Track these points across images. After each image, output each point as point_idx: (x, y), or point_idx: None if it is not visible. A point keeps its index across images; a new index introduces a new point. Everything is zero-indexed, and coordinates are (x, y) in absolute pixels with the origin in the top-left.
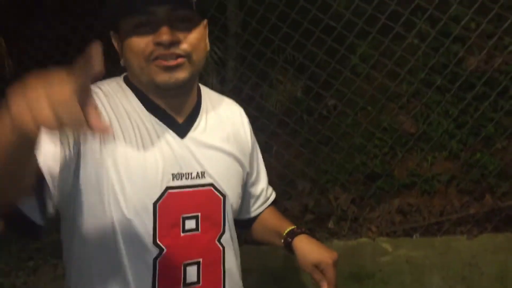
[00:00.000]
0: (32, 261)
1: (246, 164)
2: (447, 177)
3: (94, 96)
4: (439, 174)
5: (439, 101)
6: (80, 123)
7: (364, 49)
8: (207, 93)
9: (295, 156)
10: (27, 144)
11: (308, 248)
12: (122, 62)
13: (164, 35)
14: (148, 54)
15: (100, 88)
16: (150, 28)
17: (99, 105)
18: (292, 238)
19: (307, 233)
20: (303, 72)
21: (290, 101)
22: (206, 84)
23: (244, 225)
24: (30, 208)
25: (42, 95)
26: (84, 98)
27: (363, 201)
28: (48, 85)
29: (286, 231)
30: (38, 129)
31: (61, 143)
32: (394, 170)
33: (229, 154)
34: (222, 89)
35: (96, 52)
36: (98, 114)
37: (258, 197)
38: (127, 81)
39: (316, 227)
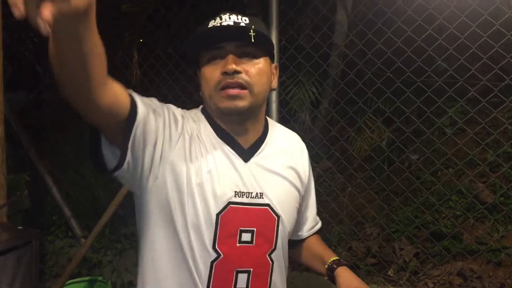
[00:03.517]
0: (119, 244)
1: (302, 191)
2: None
3: (186, 119)
4: (508, 247)
5: None
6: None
7: (454, 113)
8: (273, 126)
9: (368, 200)
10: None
11: (350, 277)
12: (201, 93)
13: (229, 65)
14: (217, 83)
15: (188, 115)
16: (220, 60)
17: (189, 127)
18: (337, 266)
19: (345, 264)
20: (390, 124)
21: (373, 148)
22: (298, 119)
23: (291, 245)
24: (108, 149)
25: None
26: None
27: (426, 257)
28: None
29: (331, 259)
30: None
31: (163, 125)
32: (463, 233)
33: (288, 180)
34: (312, 127)
35: None
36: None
37: (306, 222)
38: (203, 111)
39: (375, 271)
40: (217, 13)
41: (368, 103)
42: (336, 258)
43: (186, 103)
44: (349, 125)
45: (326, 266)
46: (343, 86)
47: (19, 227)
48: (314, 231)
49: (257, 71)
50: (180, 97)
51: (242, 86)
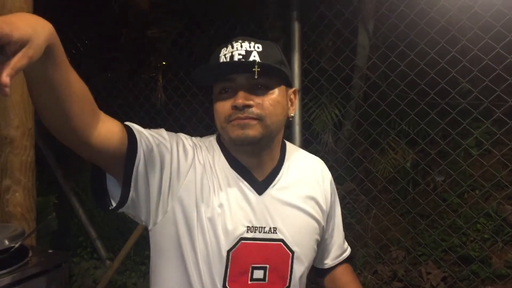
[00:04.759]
0: (144, 266)
1: (323, 220)
2: None
3: (198, 148)
4: None
5: None
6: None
7: (479, 134)
8: (291, 153)
9: (393, 223)
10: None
11: None
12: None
13: (239, 99)
14: (227, 116)
15: (202, 143)
16: (231, 93)
17: (202, 157)
18: None
19: None
20: (414, 146)
21: (397, 170)
22: (321, 141)
23: (317, 273)
24: (113, 185)
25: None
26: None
27: (454, 281)
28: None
29: None
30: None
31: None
32: (492, 257)
33: (305, 212)
34: (335, 148)
35: None
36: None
37: (331, 250)
38: (218, 140)
39: None
40: (229, 40)
41: (391, 124)
42: None
43: (209, 126)
44: (372, 146)
45: None
46: (366, 108)
47: (49, 251)
48: (341, 260)
49: (270, 102)
50: (203, 119)
51: (253, 120)
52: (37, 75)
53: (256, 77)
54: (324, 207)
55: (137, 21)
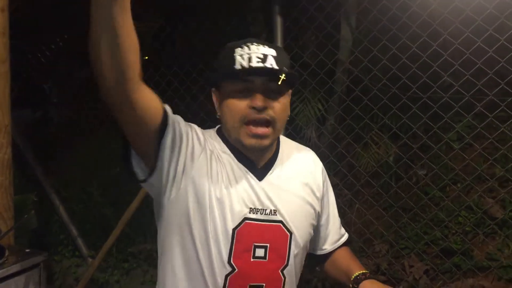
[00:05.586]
0: (127, 263)
1: (317, 207)
2: None
3: (206, 137)
4: None
5: None
6: None
7: (461, 128)
8: (285, 143)
9: (376, 217)
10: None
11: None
12: (218, 115)
13: (259, 101)
14: (242, 117)
15: (208, 135)
16: (247, 94)
17: (210, 144)
18: (358, 284)
19: (371, 278)
20: (397, 140)
21: (380, 164)
22: (305, 136)
23: (318, 260)
24: (137, 161)
25: None
26: None
27: (436, 274)
28: None
29: (353, 276)
30: None
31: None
32: (473, 250)
33: (300, 197)
34: (318, 143)
35: None
36: None
37: (328, 236)
38: (219, 132)
39: None
40: (243, 41)
41: (374, 119)
42: (362, 271)
43: (192, 120)
44: (355, 141)
45: (352, 279)
46: (348, 102)
47: (27, 250)
48: (340, 244)
49: (282, 106)
50: (185, 114)
51: (267, 123)
52: (104, 15)
53: (279, 83)
54: (317, 194)
55: None
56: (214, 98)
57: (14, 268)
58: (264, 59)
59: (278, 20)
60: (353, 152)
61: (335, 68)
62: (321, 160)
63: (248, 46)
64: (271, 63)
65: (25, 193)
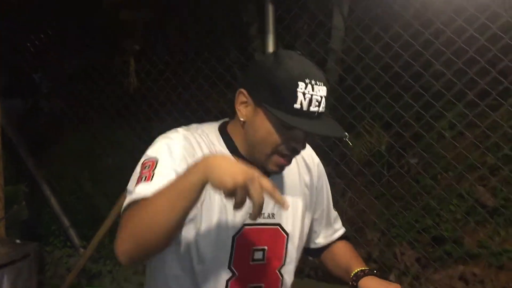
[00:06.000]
0: None
1: (313, 204)
2: None
3: (197, 146)
4: (509, 250)
5: None
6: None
7: (452, 116)
8: None
9: (368, 206)
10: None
11: (374, 284)
12: (242, 119)
13: (302, 146)
14: (275, 147)
15: (199, 140)
16: (292, 132)
17: (198, 152)
18: (357, 281)
19: (371, 274)
20: (389, 128)
21: (372, 154)
22: None
23: (313, 254)
24: None
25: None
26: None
27: (427, 262)
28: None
29: (353, 273)
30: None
31: None
32: (464, 238)
33: (298, 196)
34: None
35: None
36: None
37: (321, 231)
38: (225, 133)
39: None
40: (306, 72)
41: (366, 108)
42: (356, 270)
43: (183, 110)
44: (347, 130)
45: (351, 276)
46: (341, 91)
47: (17, 241)
48: (334, 239)
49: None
50: (177, 103)
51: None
52: (193, 197)
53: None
54: (314, 190)
55: (110, 4)
56: (243, 99)
57: (5, 259)
58: (320, 102)
59: (270, 9)
60: (346, 141)
61: (327, 57)
62: (314, 149)
63: (312, 86)
64: (323, 106)
65: (16, 184)
